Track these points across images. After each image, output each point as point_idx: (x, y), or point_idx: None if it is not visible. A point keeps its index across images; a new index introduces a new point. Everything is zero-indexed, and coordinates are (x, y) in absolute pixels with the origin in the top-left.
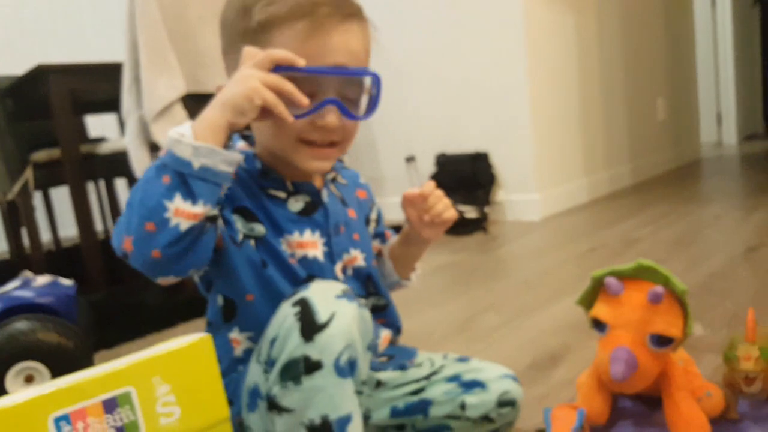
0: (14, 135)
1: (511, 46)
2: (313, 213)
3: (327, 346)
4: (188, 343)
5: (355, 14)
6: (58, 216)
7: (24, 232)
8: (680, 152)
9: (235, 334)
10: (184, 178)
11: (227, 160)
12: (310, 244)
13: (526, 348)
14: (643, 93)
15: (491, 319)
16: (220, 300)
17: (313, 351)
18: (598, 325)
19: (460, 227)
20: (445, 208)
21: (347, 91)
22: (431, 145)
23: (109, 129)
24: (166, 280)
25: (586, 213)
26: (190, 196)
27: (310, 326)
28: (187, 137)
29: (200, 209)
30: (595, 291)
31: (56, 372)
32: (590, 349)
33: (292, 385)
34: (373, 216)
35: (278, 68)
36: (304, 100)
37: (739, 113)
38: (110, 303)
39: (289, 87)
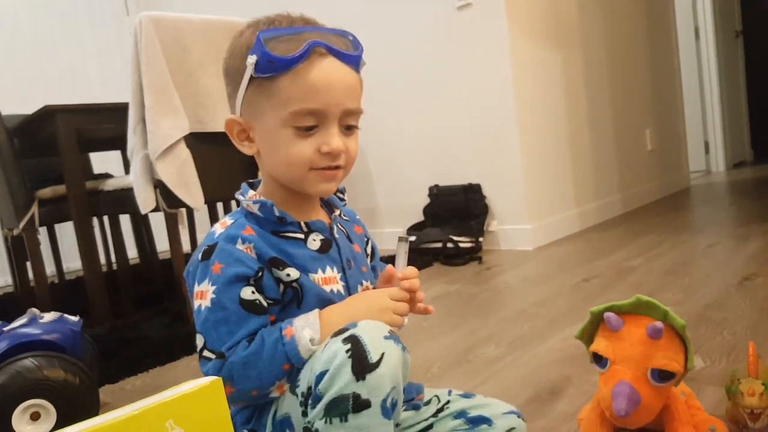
0: (20, 172)
1: (500, 81)
2: (329, 250)
3: (377, 386)
4: (200, 386)
5: (347, 52)
6: (61, 247)
7: (28, 265)
8: (669, 181)
9: None
10: (297, 368)
11: None
12: (332, 279)
13: (527, 381)
14: (631, 124)
15: (490, 351)
16: None
17: (363, 390)
18: (599, 360)
19: (455, 257)
20: (422, 297)
21: (349, 119)
22: (424, 177)
23: (112, 166)
24: None
25: (578, 243)
26: (293, 378)
27: (361, 365)
28: (315, 343)
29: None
30: (595, 326)
31: (62, 409)
32: (590, 383)
33: (337, 422)
34: (368, 250)
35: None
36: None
37: (726, 141)
38: (113, 337)
39: (405, 309)
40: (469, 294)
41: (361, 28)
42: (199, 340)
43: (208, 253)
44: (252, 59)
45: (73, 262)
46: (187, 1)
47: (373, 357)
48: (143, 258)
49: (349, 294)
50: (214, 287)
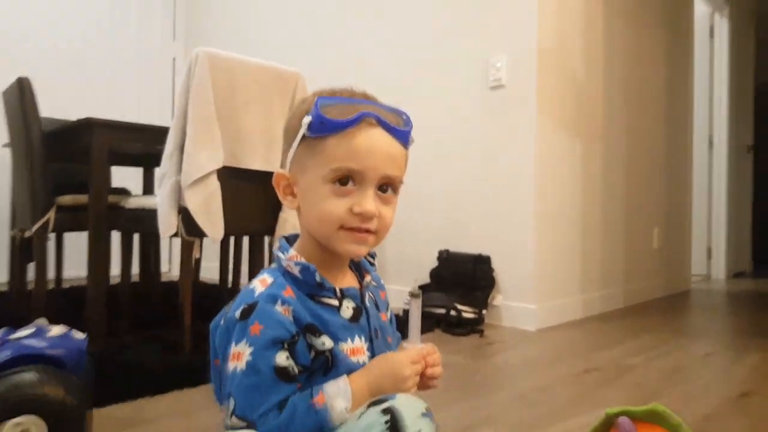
0: (46, 176)
1: (522, 160)
2: (359, 318)
3: None
4: None
5: (396, 127)
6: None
7: (28, 268)
8: (671, 281)
9: None
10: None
11: None
12: (359, 350)
13: None
14: (641, 220)
15: None
16: None
17: None
18: None
19: (457, 327)
20: (440, 372)
21: (387, 186)
22: (436, 240)
23: (129, 181)
24: None
25: (580, 331)
26: None
27: None
28: (347, 412)
29: None
30: (606, 426)
31: (54, 429)
32: None
33: None
34: (388, 314)
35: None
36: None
37: (729, 250)
38: (106, 358)
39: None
40: (470, 368)
41: (398, 96)
42: (231, 403)
43: (247, 312)
44: (307, 119)
45: (70, 271)
46: (233, 33)
47: None
48: (145, 277)
49: None
50: (251, 348)
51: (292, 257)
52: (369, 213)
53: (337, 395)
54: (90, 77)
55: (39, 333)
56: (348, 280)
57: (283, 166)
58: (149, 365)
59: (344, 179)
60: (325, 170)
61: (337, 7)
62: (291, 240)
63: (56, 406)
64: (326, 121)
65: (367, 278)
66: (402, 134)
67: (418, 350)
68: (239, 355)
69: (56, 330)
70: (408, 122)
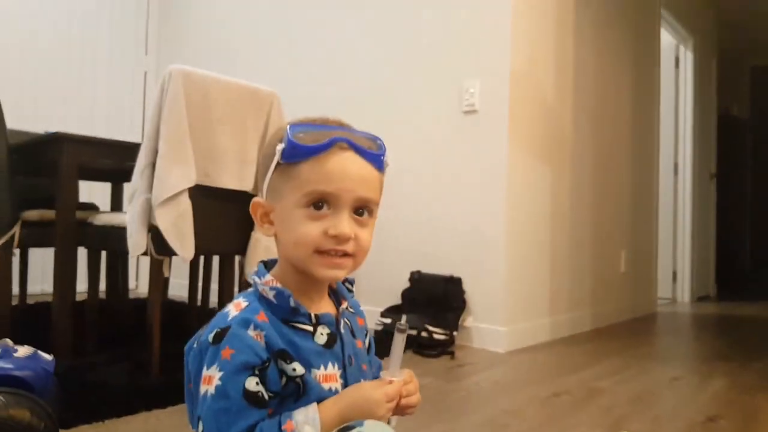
0: (12, 190)
1: (493, 184)
2: (333, 345)
3: None
4: None
5: (369, 150)
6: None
7: None
8: (638, 304)
9: None
10: None
11: None
12: (332, 377)
13: None
14: (608, 244)
15: None
16: None
17: None
18: None
19: (428, 348)
20: (417, 401)
21: (362, 208)
22: (407, 261)
23: (96, 196)
24: None
25: (549, 353)
26: None
27: None
28: None
29: None
30: None
31: None
32: None
33: None
34: (366, 342)
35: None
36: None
37: (693, 273)
38: (72, 377)
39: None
40: (441, 391)
41: (371, 119)
42: (200, 427)
43: (219, 336)
44: (280, 146)
45: (34, 286)
46: (206, 48)
47: None
48: (113, 295)
49: None
50: (221, 373)
51: (267, 282)
52: (344, 235)
53: (305, 423)
54: (60, 89)
55: (5, 354)
56: (325, 306)
57: (260, 194)
58: (118, 385)
59: (319, 203)
60: (299, 195)
61: (311, 28)
62: (269, 265)
63: (22, 429)
64: (298, 147)
65: (344, 305)
66: (375, 157)
67: (396, 388)
68: (210, 379)
69: (23, 351)
70: (381, 147)
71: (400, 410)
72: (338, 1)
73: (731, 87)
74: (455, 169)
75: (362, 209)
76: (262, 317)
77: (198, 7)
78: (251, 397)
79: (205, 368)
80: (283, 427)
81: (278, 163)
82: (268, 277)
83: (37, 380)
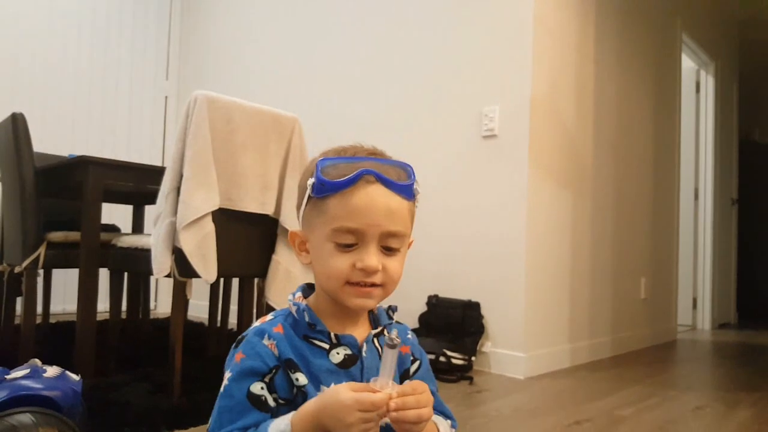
0: (38, 212)
1: (514, 209)
2: (351, 366)
3: None
4: None
5: (398, 182)
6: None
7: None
8: (658, 331)
9: None
10: None
11: None
12: None
13: None
14: (628, 270)
15: None
16: None
17: None
18: None
19: (447, 372)
20: (416, 417)
21: (389, 240)
22: (425, 285)
23: (117, 218)
24: None
25: (570, 380)
26: None
27: None
28: None
29: None
30: None
31: None
32: None
33: None
34: (412, 369)
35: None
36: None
37: (714, 301)
38: (94, 396)
39: (373, 425)
40: (461, 417)
41: (391, 144)
42: (210, 421)
43: (238, 342)
44: (311, 181)
45: (56, 305)
46: (226, 72)
47: None
48: (133, 315)
49: None
50: (230, 374)
51: (297, 298)
52: (371, 269)
53: None
54: (82, 114)
55: (35, 374)
56: (357, 330)
57: (299, 222)
58: (140, 405)
59: (346, 238)
60: (328, 229)
61: (331, 53)
62: (312, 287)
63: None
64: (326, 183)
65: (377, 330)
66: (403, 188)
67: (375, 399)
68: (224, 379)
69: (52, 371)
70: (411, 175)
71: (397, 426)
72: (358, 26)
73: (753, 112)
74: (474, 193)
75: (389, 242)
76: (278, 329)
77: (217, 33)
78: (254, 399)
79: (225, 368)
80: None
81: (309, 197)
82: (298, 294)
83: (65, 400)
